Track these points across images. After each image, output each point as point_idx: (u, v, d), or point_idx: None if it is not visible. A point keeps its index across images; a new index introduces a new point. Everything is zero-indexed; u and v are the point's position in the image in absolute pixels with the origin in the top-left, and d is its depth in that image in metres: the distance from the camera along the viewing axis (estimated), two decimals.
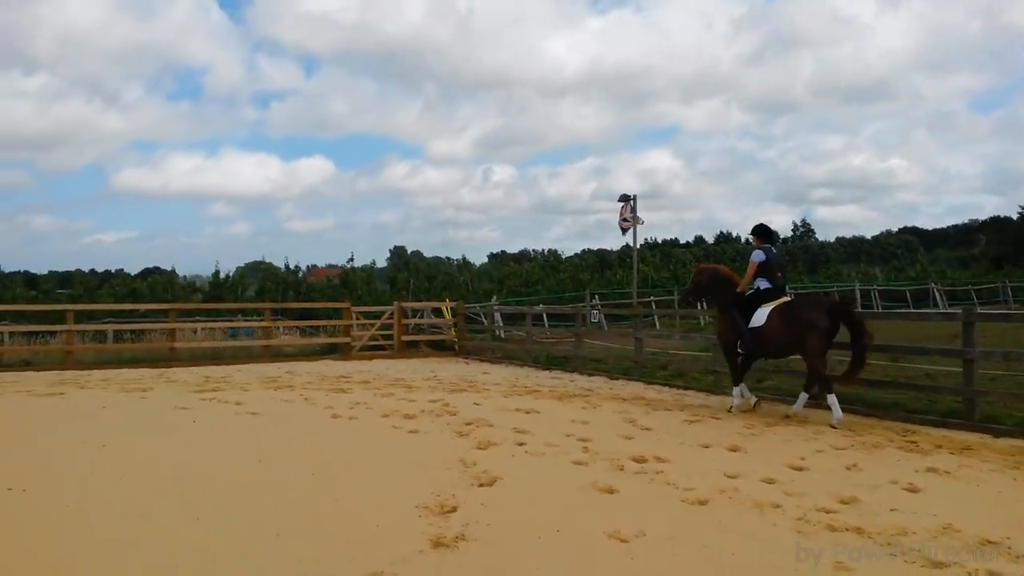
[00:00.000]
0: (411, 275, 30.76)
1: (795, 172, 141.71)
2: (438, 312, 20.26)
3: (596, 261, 42.20)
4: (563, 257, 42.63)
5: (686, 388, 11.68)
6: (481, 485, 5.73)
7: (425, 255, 55.22)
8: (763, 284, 9.02)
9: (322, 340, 18.73)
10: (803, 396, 8.70)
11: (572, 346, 15.31)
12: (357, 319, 18.46)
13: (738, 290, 9.27)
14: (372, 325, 18.45)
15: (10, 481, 5.75)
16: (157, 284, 23.72)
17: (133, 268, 55.61)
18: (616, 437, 7.64)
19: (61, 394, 10.87)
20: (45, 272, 38.00)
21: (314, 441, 7.59)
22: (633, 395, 10.90)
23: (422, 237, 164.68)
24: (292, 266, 27.85)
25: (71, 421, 8.79)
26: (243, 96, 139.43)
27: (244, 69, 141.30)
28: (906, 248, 70.00)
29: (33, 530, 4.73)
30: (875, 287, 33.88)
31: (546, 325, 24.33)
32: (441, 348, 19.08)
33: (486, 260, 57.91)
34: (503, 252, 71.31)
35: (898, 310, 28.02)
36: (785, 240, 77.14)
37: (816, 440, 7.48)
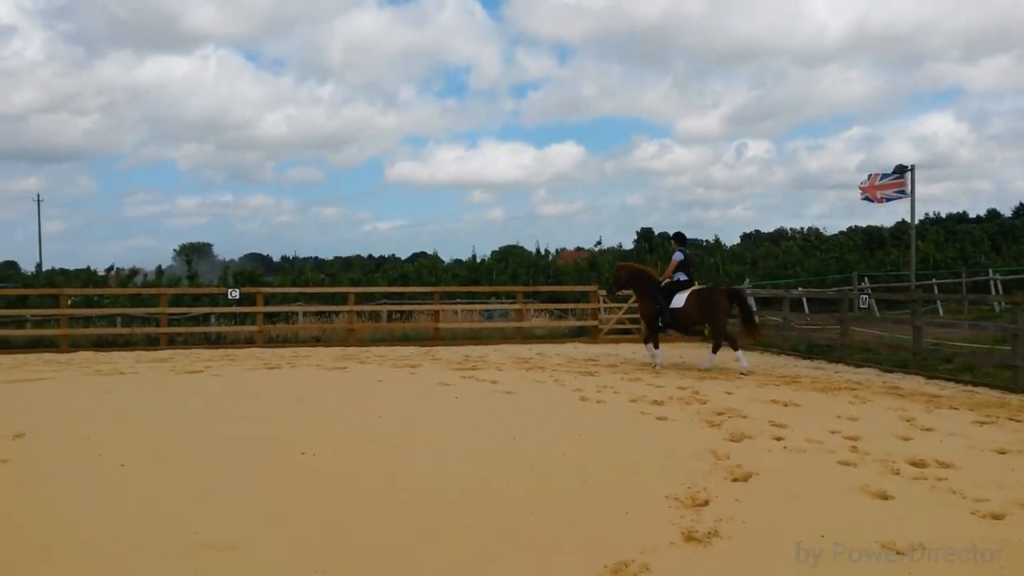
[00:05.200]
0: (659, 258, 30.35)
1: None
2: None
3: (864, 240, 38.38)
4: (825, 235, 39.32)
5: (976, 384, 10.25)
6: (735, 480, 5.46)
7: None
8: (680, 277, 12.11)
9: (571, 323, 19.11)
10: (710, 356, 11.95)
11: (836, 334, 14.10)
12: (604, 302, 18.59)
13: (662, 280, 12.25)
14: (619, 308, 18.47)
15: (304, 446, 6.54)
16: (423, 268, 25.74)
17: (403, 253, 61.05)
18: (890, 437, 6.89)
19: (344, 368, 12.21)
20: (331, 258, 43.04)
21: (564, 423, 7.75)
22: (911, 390, 9.77)
23: (669, 218, 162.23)
24: (543, 250, 28.75)
25: (353, 392, 9.83)
26: (501, 88, 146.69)
27: (503, 62, 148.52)
28: None
29: (319, 490, 5.32)
30: None
31: (806, 310, 22.71)
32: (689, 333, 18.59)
33: (738, 241, 55.35)
34: (757, 232, 67.82)
35: None
36: None
37: None
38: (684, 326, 12.41)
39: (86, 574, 3.91)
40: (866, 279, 25.53)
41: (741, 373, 11.28)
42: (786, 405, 8.55)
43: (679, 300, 11.84)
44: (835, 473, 5.70)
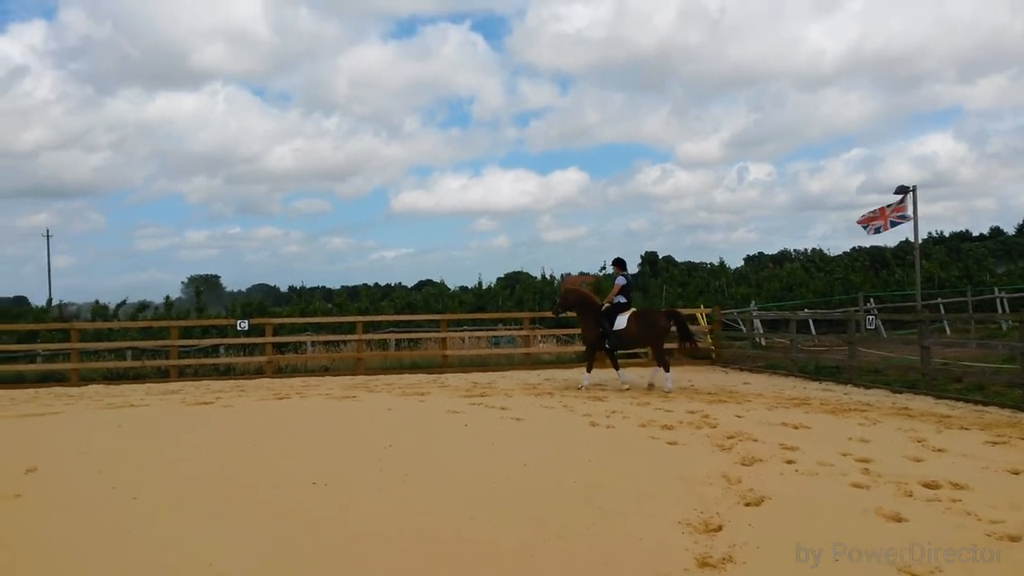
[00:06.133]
0: (663, 281, 30.39)
1: None
2: (692, 319, 19.78)
3: (868, 260, 38.47)
4: (830, 256, 39.35)
5: (986, 404, 10.22)
6: (748, 504, 5.45)
7: (677, 260, 54.21)
8: (620, 299, 12.74)
9: (578, 348, 19.08)
10: (667, 376, 12.30)
11: (844, 355, 14.09)
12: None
13: (604, 303, 12.87)
14: None
15: (316, 476, 6.56)
16: (430, 296, 25.80)
17: (410, 281, 61.20)
18: (902, 458, 6.88)
19: (354, 397, 12.23)
20: (338, 287, 43.14)
21: (574, 449, 7.75)
22: (920, 411, 9.75)
23: (673, 242, 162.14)
24: (548, 275, 28.85)
25: (363, 421, 9.84)
26: (505, 117, 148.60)
27: (505, 93, 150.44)
28: None
29: (332, 520, 5.34)
30: None
31: (813, 332, 22.70)
32: (697, 357, 18.58)
33: (742, 263, 55.40)
34: (760, 254, 67.89)
35: None
36: None
37: None
38: (626, 346, 13.24)
39: None
40: (872, 299, 25.50)
41: (666, 392, 12.05)
42: (796, 428, 8.54)
43: (621, 322, 12.51)
44: (848, 495, 5.69)
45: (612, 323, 12.58)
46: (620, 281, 12.85)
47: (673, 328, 12.70)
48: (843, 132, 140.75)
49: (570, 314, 13.98)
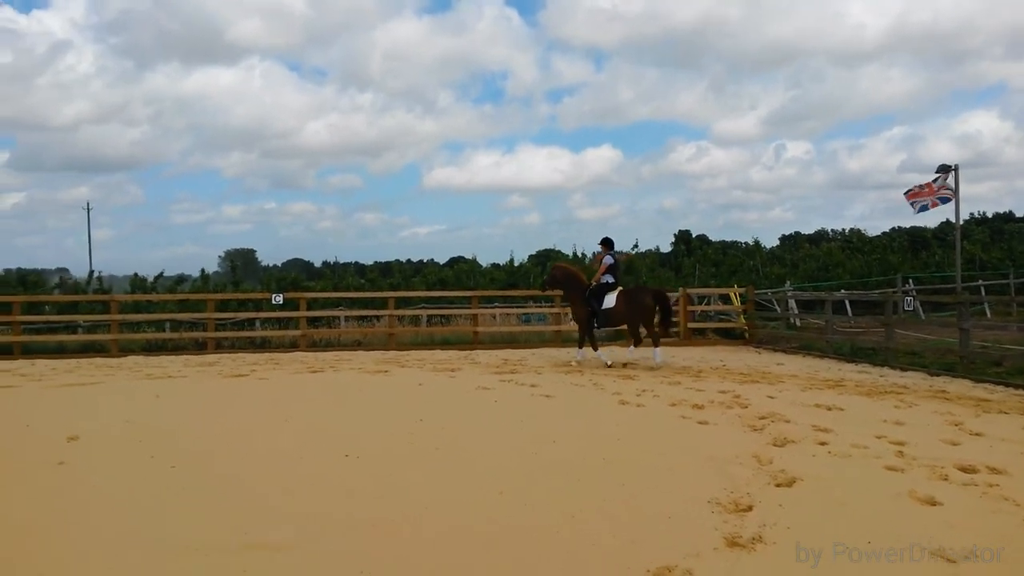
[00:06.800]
0: (696, 260, 30.07)
1: None
2: (726, 299, 19.58)
3: (908, 241, 37.61)
4: (868, 237, 38.53)
5: None
6: (779, 485, 5.42)
7: (711, 239, 53.62)
8: (608, 279, 13.03)
9: (608, 328, 19.04)
10: (656, 351, 12.82)
11: (881, 337, 13.86)
12: None
13: (592, 282, 13.17)
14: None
15: (348, 449, 6.66)
16: (461, 272, 25.85)
17: (441, 257, 61.43)
18: (938, 442, 6.76)
19: (386, 372, 12.36)
20: (371, 263, 43.41)
21: (603, 427, 7.76)
22: (958, 394, 9.57)
23: (707, 220, 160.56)
24: (579, 254, 28.71)
25: (395, 396, 9.95)
26: (538, 94, 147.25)
27: (539, 68, 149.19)
28: None
29: (364, 492, 5.42)
30: None
31: (849, 313, 22.34)
32: (730, 336, 18.41)
33: (777, 243, 54.52)
34: (797, 233, 66.67)
35: None
36: None
37: None
38: (614, 324, 13.58)
39: (137, 573, 4.04)
40: (910, 281, 25.01)
41: (623, 364, 12.81)
42: (830, 409, 8.44)
43: (610, 300, 12.87)
44: (881, 478, 5.62)
45: (601, 302, 12.91)
46: (608, 260, 13.11)
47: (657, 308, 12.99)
48: (884, 109, 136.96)
49: (555, 292, 14.35)
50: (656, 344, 12.91)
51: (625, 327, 13.56)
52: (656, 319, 12.97)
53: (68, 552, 4.31)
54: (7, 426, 7.95)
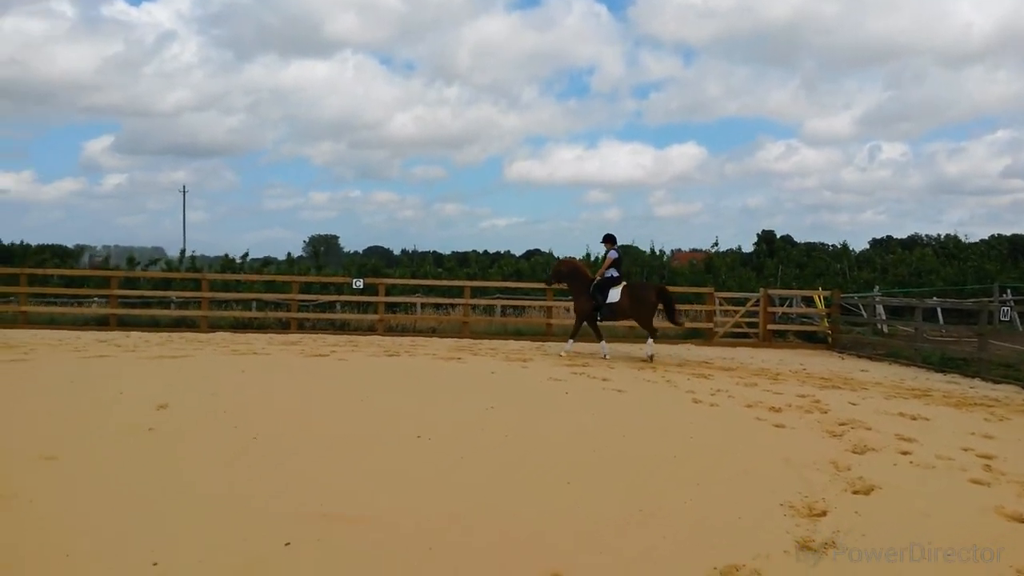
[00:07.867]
0: (780, 261, 29.25)
1: None
2: (809, 301, 18.99)
3: (1008, 249, 35.60)
4: (965, 243, 36.65)
5: None
6: (856, 492, 5.25)
7: (796, 240, 51.98)
8: (612, 273, 13.31)
9: (684, 324, 18.76)
10: (649, 343, 13.23)
11: (974, 347, 13.20)
12: (720, 305, 18.15)
13: (595, 277, 13.43)
14: (736, 311, 17.98)
15: (420, 430, 6.80)
16: (537, 264, 25.93)
17: (518, 250, 61.58)
18: None
19: (459, 359, 12.52)
20: (449, 252, 44.00)
21: (675, 424, 7.67)
22: None
23: (793, 221, 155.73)
24: (657, 250, 28.32)
25: (467, 383, 10.08)
26: (624, 89, 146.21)
27: (625, 64, 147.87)
28: None
29: (436, 470, 5.53)
30: None
31: (940, 321, 21.33)
32: (811, 340, 17.85)
33: (867, 246, 52.38)
34: (889, 237, 63.92)
35: None
36: None
37: None
38: (618, 318, 13.74)
39: (219, 537, 4.24)
40: (1008, 291, 23.69)
41: (646, 358, 13.03)
42: (915, 419, 8.11)
43: (615, 295, 13.15)
44: (966, 492, 5.38)
45: (605, 296, 13.20)
46: (612, 255, 13.36)
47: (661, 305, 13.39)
48: (988, 112, 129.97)
49: (559, 286, 14.46)
50: (652, 336, 13.29)
51: (625, 327, 13.88)
52: (662, 313, 13.38)
53: (160, 508, 4.56)
54: (103, 392, 8.44)
